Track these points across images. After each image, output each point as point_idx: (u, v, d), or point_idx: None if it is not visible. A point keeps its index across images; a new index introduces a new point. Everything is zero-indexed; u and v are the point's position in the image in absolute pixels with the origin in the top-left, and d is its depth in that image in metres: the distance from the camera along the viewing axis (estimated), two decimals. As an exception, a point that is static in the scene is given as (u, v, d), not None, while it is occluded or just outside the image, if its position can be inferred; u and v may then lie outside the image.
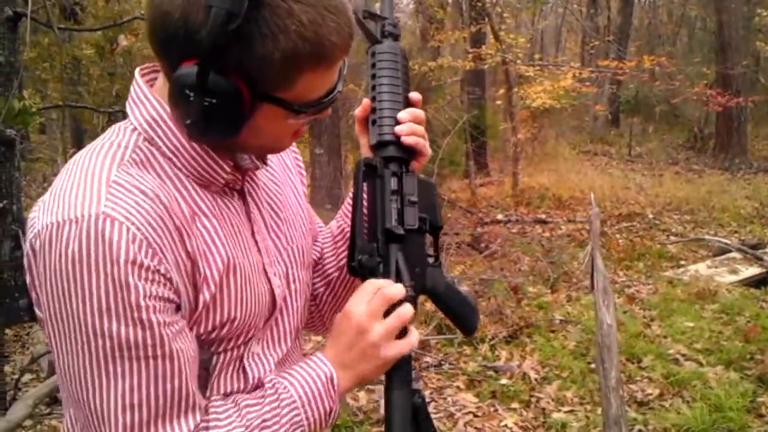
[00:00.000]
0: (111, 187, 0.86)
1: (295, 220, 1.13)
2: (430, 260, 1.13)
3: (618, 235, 8.41)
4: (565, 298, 5.93)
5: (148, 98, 0.94)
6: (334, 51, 0.88)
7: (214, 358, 0.98)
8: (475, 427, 3.75)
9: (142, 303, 0.84)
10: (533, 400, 4.07)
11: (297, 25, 0.83)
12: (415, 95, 1.13)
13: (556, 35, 22.66)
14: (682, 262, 7.24)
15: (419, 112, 1.11)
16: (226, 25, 0.79)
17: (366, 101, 1.13)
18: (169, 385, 0.88)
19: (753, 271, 6.53)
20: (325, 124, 7.63)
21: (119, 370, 0.85)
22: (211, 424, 0.93)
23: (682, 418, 3.71)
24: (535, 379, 4.32)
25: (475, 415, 3.90)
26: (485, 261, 6.88)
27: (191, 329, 0.93)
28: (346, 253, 1.12)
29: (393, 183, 1.07)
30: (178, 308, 0.90)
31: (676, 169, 13.63)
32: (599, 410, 3.65)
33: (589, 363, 4.48)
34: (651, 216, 9.39)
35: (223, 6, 0.79)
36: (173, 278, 0.88)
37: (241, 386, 1.02)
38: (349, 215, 1.12)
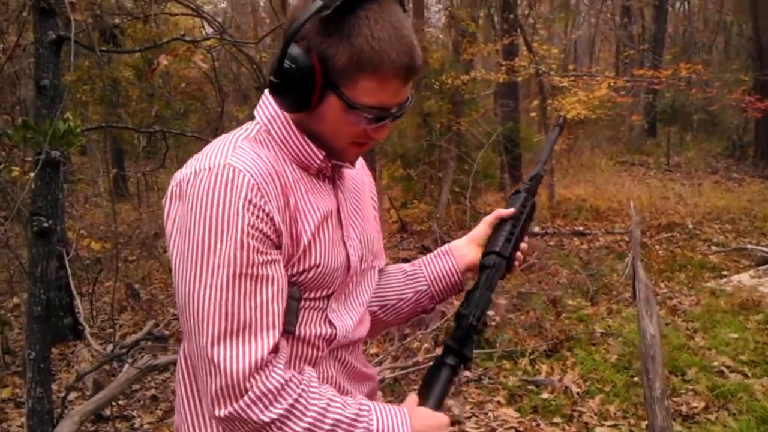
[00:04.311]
0: (236, 149, 1.16)
1: (370, 219, 1.41)
2: None
3: (658, 246, 8.30)
4: (605, 311, 5.86)
5: (270, 103, 1.24)
6: (391, 67, 1.12)
7: (303, 302, 1.23)
8: (517, 442, 3.72)
9: (247, 230, 1.10)
10: (575, 414, 4.02)
11: (369, 36, 1.10)
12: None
13: (589, 45, 22.48)
14: (725, 273, 7.11)
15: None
16: (319, 12, 1.08)
17: (509, 212, 1.53)
18: (257, 300, 1.12)
19: (798, 280, 6.38)
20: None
21: (219, 282, 1.09)
22: (304, 382, 1.16)
23: (728, 431, 3.63)
24: (577, 393, 4.27)
25: (517, 430, 3.86)
26: (523, 274, 6.82)
27: (289, 268, 1.19)
28: (409, 288, 1.52)
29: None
30: (276, 246, 1.15)
31: (716, 177, 13.41)
32: (644, 424, 3.60)
33: (632, 376, 4.41)
34: (691, 226, 9.25)
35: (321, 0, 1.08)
36: (275, 219, 1.14)
37: (329, 332, 1.27)
38: (428, 266, 1.54)
